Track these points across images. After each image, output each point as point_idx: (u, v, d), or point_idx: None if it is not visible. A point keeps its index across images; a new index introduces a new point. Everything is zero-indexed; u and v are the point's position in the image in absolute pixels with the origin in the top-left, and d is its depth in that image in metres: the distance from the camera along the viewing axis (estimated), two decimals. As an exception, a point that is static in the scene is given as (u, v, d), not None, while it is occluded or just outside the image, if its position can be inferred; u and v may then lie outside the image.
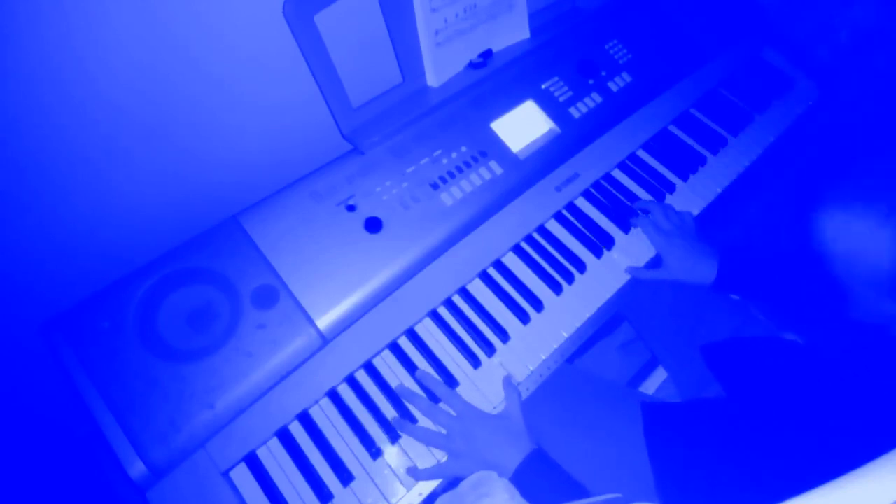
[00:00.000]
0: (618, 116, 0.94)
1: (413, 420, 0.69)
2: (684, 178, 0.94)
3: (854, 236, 0.51)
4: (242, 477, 0.63)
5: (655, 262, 0.84)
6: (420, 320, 0.75)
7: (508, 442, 0.65)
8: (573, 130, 0.88)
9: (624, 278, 0.82)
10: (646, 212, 0.87)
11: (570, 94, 0.91)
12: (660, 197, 0.91)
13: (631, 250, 0.85)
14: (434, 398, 0.69)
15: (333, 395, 0.69)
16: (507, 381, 0.71)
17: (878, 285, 0.50)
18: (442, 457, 0.67)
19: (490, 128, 0.84)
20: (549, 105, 0.89)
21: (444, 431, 0.67)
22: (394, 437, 0.67)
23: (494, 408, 0.70)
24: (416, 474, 0.65)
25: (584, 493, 0.61)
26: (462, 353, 0.74)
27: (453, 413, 0.67)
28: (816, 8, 1.13)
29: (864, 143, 1.19)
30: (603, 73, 0.94)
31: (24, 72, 0.57)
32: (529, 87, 0.89)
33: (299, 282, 0.69)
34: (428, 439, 0.67)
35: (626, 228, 0.87)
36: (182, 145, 0.76)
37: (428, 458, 0.67)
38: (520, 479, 0.63)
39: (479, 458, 0.65)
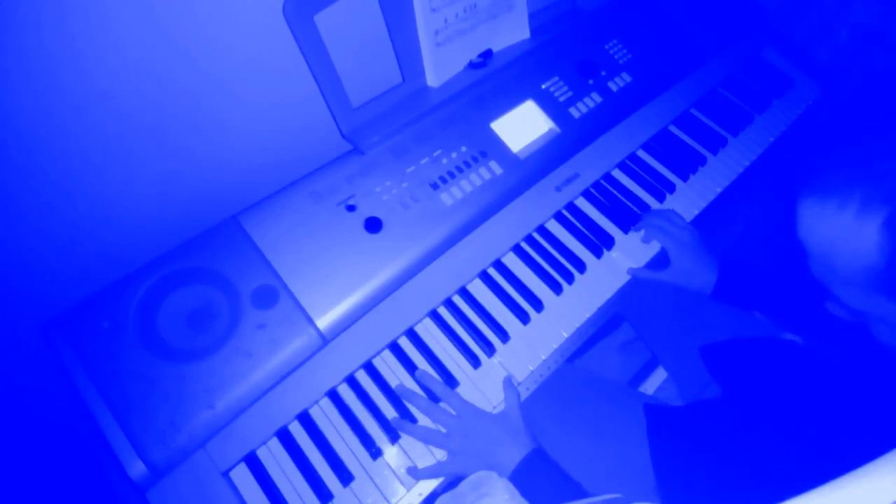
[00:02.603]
0: (618, 116, 0.94)
1: (413, 420, 0.69)
2: (684, 178, 0.94)
3: (830, 232, 0.47)
4: (242, 477, 0.63)
5: (656, 263, 0.84)
6: (420, 320, 0.75)
7: (507, 440, 0.65)
8: (573, 130, 0.88)
9: (624, 278, 0.82)
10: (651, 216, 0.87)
11: (570, 94, 0.91)
12: (660, 197, 0.91)
13: (631, 250, 0.84)
14: (434, 398, 0.69)
15: (333, 395, 0.69)
16: (507, 381, 0.71)
17: (857, 283, 0.47)
18: (442, 456, 0.67)
19: (490, 128, 0.84)
20: (549, 105, 0.89)
21: (443, 430, 0.67)
22: (394, 437, 0.67)
23: (494, 407, 0.70)
24: (416, 474, 0.65)
25: (582, 494, 0.61)
26: (462, 353, 0.74)
27: (453, 412, 0.68)
28: (816, 8, 1.13)
29: (863, 142, 1.19)
30: (603, 73, 0.94)
31: (24, 72, 0.57)
32: (529, 87, 0.89)
33: (299, 282, 0.69)
34: (427, 438, 0.67)
35: (626, 228, 0.87)
36: (182, 145, 0.76)
37: (428, 458, 0.67)
38: (519, 478, 0.63)
39: (478, 457, 0.65)
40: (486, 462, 0.65)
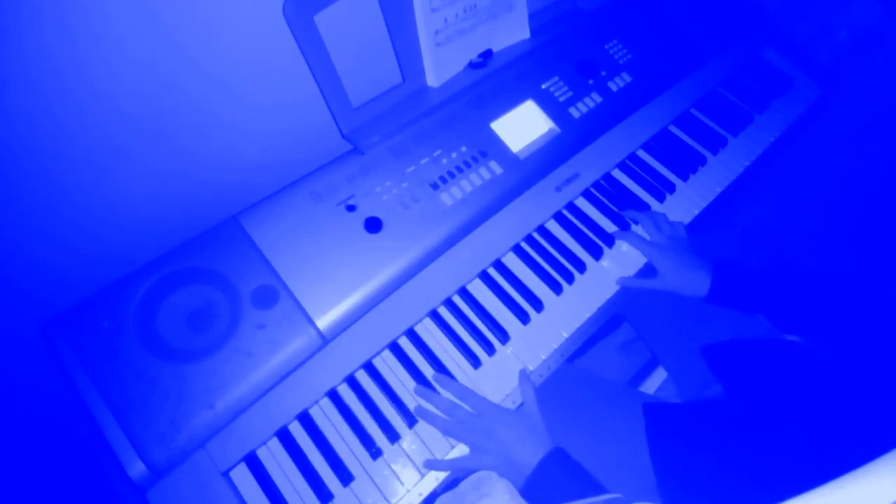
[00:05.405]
0: (618, 116, 0.94)
1: (413, 419, 0.69)
2: (684, 178, 0.94)
3: None
4: (242, 477, 0.63)
5: (650, 268, 0.84)
6: (420, 320, 0.75)
7: (528, 439, 0.65)
8: (573, 130, 0.88)
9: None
10: (636, 222, 0.87)
11: (570, 94, 0.91)
12: (660, 197, 0.91)
13: (631, 250, 0.84)
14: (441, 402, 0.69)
15: (333, 395, 0.69)
16: (523, 375, 0.71)
17: None
18: (446, 454, 0.67)
19: (490, 128, 0.84)
20: (549, 105, 0.89)
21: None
22: (394, 438, 0.67)
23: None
24: (432, 465, 0.65)
25: (603, 492, 0.60)
26: (462, 354, 0.74)
27: (471, 410, 0.68)
28: (816, 8, 1.13)
29: (864, 142, 1.19)
30: (603, 73, 0.94)
31: (25, 72, 0.57)
32: (529, 87, 0.89)
33: (299, 282, 0.69)
34: (449, 430, 0.67)
35: (625, 228, 0.87)
36: (182, 145, 0.76)
37: (429, 457, 0.67)
38: (539, 477, 0.62)
39: (499, 455, 0.65)
40: (507, 460, 0.64)
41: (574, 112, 0.89)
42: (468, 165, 0.81)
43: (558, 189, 0.87)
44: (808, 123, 1.10)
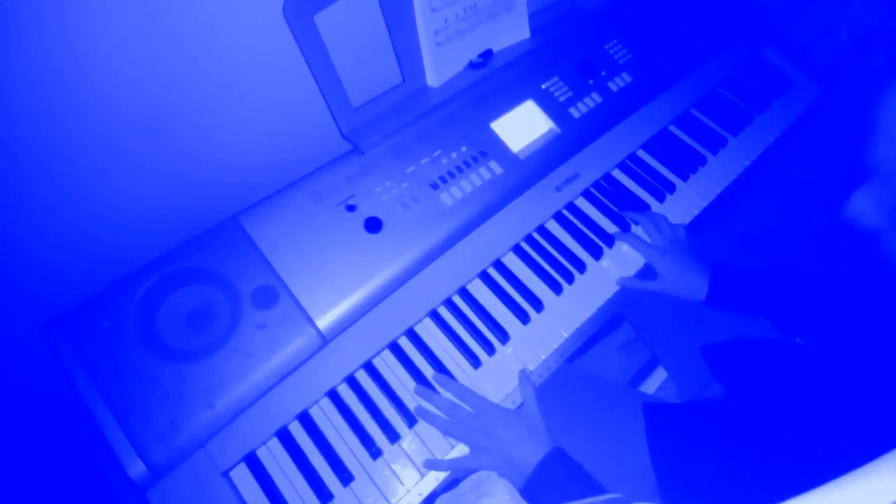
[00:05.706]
0: (618, 116, 0.94)
1: (413, 419, 0.69)
2: (684, 178, 0.94)
3: None
4: (242, 477, 0.63)
5: (650, 269, 0.84)
6: (420, 320, 0.75)
7: (528, 439, 0.65)
8: (573, 130, 0.88)
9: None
10: (637, 223, 0.87)
11: (570, 94, 0.91)
12: (660, 197, 0.91)
13: (631, 251, 0.84)
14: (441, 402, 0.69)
15: (333, 395, 0.69)
16: (523, 375, 0.71)
17: None
18: (446, 454, 0.67)
19: (490, 128, 0.84)
20: (549, 105, 0.89)
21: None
22: (394, 438, 0.67)
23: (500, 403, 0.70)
24: (433, 465, 0.65)
25: (603, 492, 0.60)
26: (462, 354, 0.74)
27: (471, 410, 0.68)
28: (816, 8, 1.13)
29: (864, 142, 1.19)
30: (603, 73, 0.94)
31: (26, 73, 0.57)
32: (529, 87, 0.89)
33: (299, 282, 0.69)
34: (449, 430, 0.67)
35: (625, 229, 0.87)
36: (182, 145, 0.76)
37: (429, 457, 0.67)
38: (539, 477, 0.63)
39: (499, 456, 0.65)
40: (507, 460, 0.64)
41: (574, 112, 0.89)
42: (468, 165, 0.81)
43: (558, 189, 0.87)
44: (808, 123, 1.10)
